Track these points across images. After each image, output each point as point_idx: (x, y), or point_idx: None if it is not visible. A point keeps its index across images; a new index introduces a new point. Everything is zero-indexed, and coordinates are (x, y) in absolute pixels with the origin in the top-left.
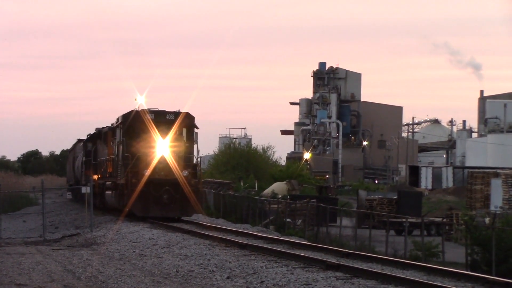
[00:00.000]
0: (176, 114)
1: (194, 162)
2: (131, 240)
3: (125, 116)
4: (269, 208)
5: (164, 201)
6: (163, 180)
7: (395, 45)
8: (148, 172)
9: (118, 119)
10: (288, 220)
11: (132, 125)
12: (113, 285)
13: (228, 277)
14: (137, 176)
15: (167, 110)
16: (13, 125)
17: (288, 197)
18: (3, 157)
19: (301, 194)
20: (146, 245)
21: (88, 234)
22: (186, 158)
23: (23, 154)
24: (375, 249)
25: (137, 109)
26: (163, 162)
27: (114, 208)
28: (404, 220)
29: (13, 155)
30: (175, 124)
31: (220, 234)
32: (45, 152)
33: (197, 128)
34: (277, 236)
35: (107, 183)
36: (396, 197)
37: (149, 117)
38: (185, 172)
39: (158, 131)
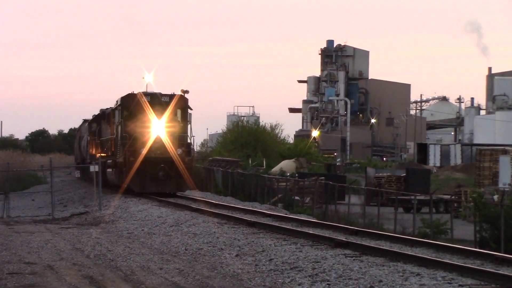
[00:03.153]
0: (171, 96)
1: (188, 141)
2: (139, 219)
3: (124, 99)
4: (277, 186)
5: (160, 178)
6: (158, 158)
7: (402, 22)
8: (144, 151)
9: (117, 101)
10: (296, 198)
11: (130, 107)
12: (122, 263)
13: (237, 255)
14: (134, 155)
15: (163, 92)
16: (21, 104)
17: (296, 174)
18: (11, 135)
19: (309, 171)
20: (155, 223)
21: (96, 213)
22: (180, 138)
23: (31, 133)
24: (383, 226)
25: (134, 92)
26: (158, 142)
27: (115, 185)
28: (412, 197)
29: (21, 134)
30: (169, 106)
31: (228, 212)
32: (53, 131)
33: (191, 109)
34: (286, 214)
35: (108, 161)
36: (404, 174)
37: (145, 99)
38: (179, 151)
39: (154, 112)
